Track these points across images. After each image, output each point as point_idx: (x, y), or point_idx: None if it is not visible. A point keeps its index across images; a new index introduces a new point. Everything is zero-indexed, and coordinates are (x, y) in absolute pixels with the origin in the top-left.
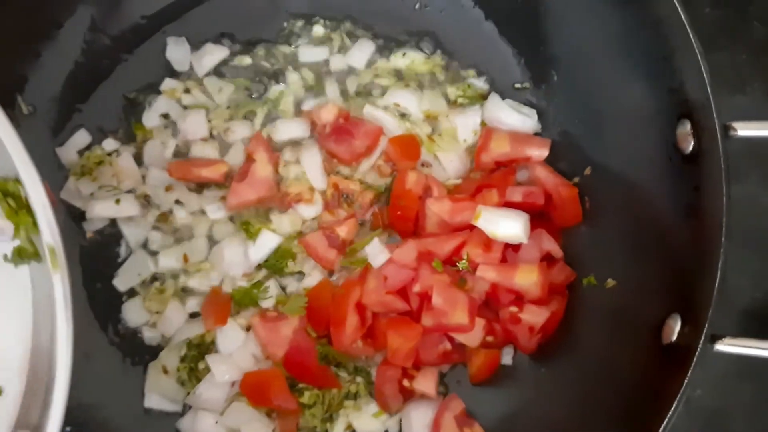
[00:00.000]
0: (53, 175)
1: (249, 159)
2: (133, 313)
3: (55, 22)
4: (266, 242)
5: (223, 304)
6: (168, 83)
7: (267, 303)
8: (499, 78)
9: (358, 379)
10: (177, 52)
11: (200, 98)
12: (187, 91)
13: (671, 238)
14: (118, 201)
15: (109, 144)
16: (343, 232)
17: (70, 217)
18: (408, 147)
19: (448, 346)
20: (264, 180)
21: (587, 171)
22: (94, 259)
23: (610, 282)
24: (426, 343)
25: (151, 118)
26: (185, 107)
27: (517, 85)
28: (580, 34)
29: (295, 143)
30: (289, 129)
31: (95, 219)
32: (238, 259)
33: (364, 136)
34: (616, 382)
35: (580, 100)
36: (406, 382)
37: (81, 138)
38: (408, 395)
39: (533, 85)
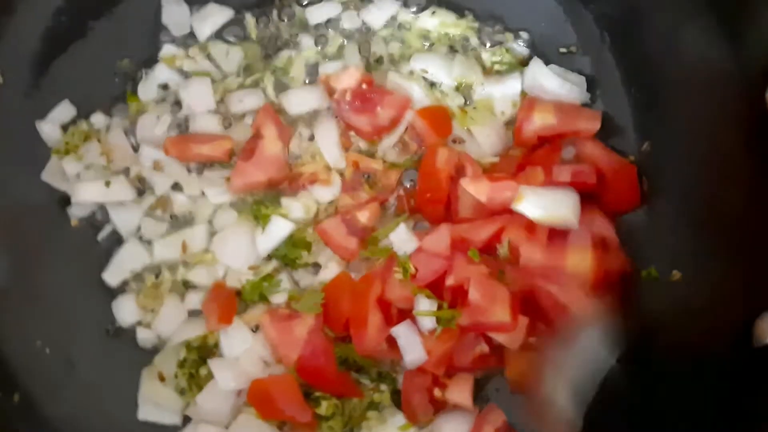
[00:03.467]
0: (32, 152)
1: (256, 134)
2: (125, 311)
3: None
4: (277, 230)
5: (228, 301)
6: (168, 49)
7: (278, 298)
8: (542, 41)
9: (383, 387)
10: (174, 14)
11: (204, 65)
12: (189, 57)
13: (754, 224)
14: (108, 183)
15: (98, 119)
16: (364, 217)
17: (54, 202)
18: (438, 120)
19: (485, 348)
20: (274, 158)
21: (645, 147)
22: (81, 249)
23: (676, 274)
24: (460, 345)
25: (148, 90)
26: (187, 76)
27: (563, 50)
28: None
29: (309, 116)
30: (302, 99)
31: (82, 204)
32: (243, 249)
33: (389, 107)
34: (690, 391)
35: (637, 65)
36: (437, 392)
37: (64, 111)
38: (439, 406)
39: (581, 48)
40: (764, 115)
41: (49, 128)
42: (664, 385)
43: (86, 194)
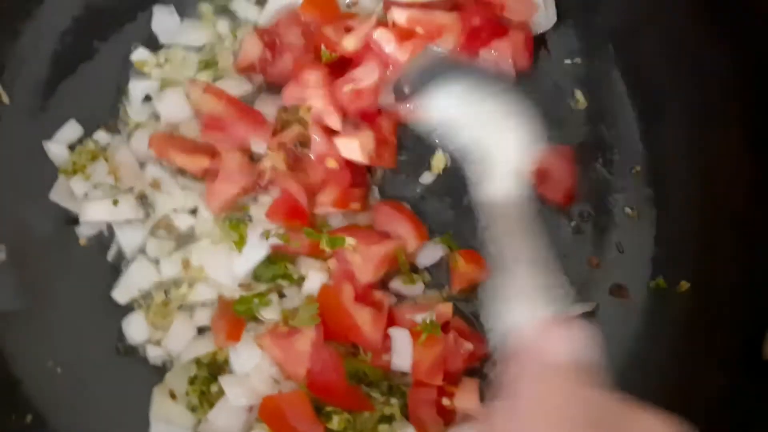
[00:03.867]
0: (40, 172)
1: (214, 154)
2: (134, 329)
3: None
4: (254, 253)
5: (235, 317)
6: (140, 54)
7: (269, 314)
8: None
9: (393, 400)
10: (164, 22)
11: (173, 73)
12: (159, 65)
13: (761, 227)
14: (116, 202)
15: (102, 137)
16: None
17: (62, 222)
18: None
19: (470, 346)
20: (238, 169)
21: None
22: (90, 269)
23: (684, 285)
24: (448, 349)
25: (134, 104)
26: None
27: (567, 61)
28: None
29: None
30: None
31: (90, 223)
32: (229, 266)
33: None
34: (698, 405)
35: (641, 76)
36: (445, 401)
37: (71, 130)
38: (449, 417)
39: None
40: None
41: (57, 148)
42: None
43: (94, 213)
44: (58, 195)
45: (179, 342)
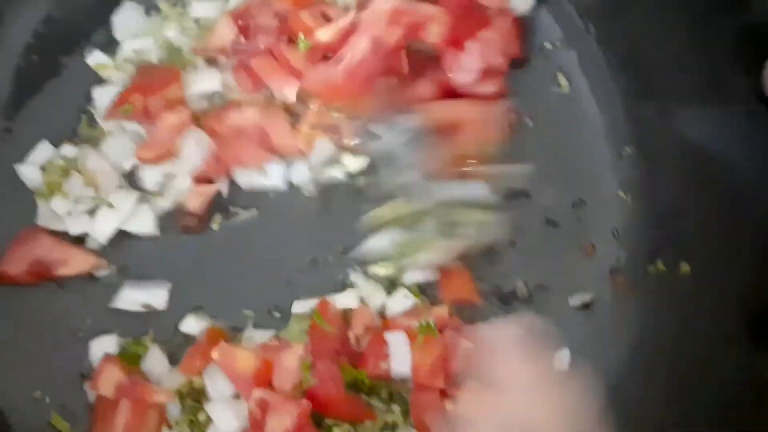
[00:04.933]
0: (17, 198)
1: None
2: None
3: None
4: None
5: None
6: (96, 57)
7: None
8: None
9: (394, 407)
10: (127, 18)
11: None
12: (118, 67)
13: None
14: (110, 205)
15: (69, 150)
16: None
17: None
18: None
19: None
20: None
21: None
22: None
23: (684, 266)
24: (447, 350)
25: (101, 112)
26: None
27: (548, 45)
28: None
29: None
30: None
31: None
32: None
33: None
34: (711, 386)
35: (625, 55)
36: (449, 405)
37: (43, 151)
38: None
39: (566, 43)
40: (762, 94)
41: (30, 171)
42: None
43: (105, 227)
44: (45, 220)
45: (158, 372)
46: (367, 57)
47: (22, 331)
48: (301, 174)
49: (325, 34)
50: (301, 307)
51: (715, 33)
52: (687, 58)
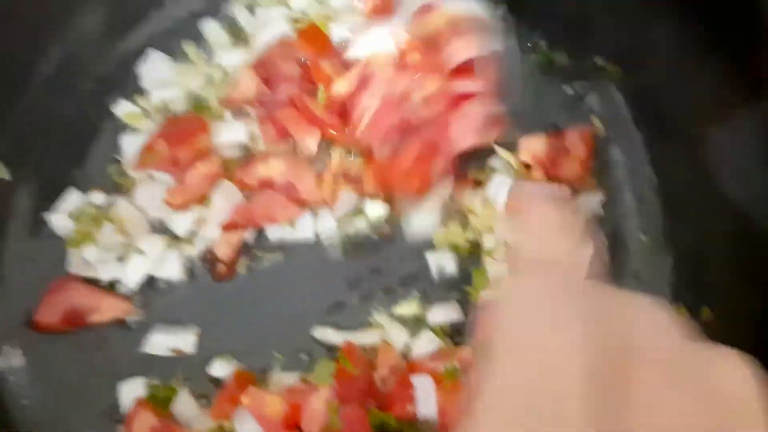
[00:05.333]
0: (50, 247)
1: None
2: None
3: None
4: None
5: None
6: (124, 107)
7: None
8: None
9: None
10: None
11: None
12: (147, 115)
13: None
14: (141, 251)
15: (97, 197)
16: None
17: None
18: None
19: None
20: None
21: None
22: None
23: (706, 311)
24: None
25: (129, 160)
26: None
27: (570, 91)
28: None
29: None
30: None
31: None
32: None
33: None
34: None
35: (646, 100)
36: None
37: (72, 199)
38: None
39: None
40: None
41: (61, 219)
42: None
43: (136, 273)
44: (76, 267)
45: (188, 415)
46: (380, 110)
47: (52, 376)
48: (328, 226)
49: (341, 87)
50: (326, 349)
51: (734, 83)
52: (708, 105)
